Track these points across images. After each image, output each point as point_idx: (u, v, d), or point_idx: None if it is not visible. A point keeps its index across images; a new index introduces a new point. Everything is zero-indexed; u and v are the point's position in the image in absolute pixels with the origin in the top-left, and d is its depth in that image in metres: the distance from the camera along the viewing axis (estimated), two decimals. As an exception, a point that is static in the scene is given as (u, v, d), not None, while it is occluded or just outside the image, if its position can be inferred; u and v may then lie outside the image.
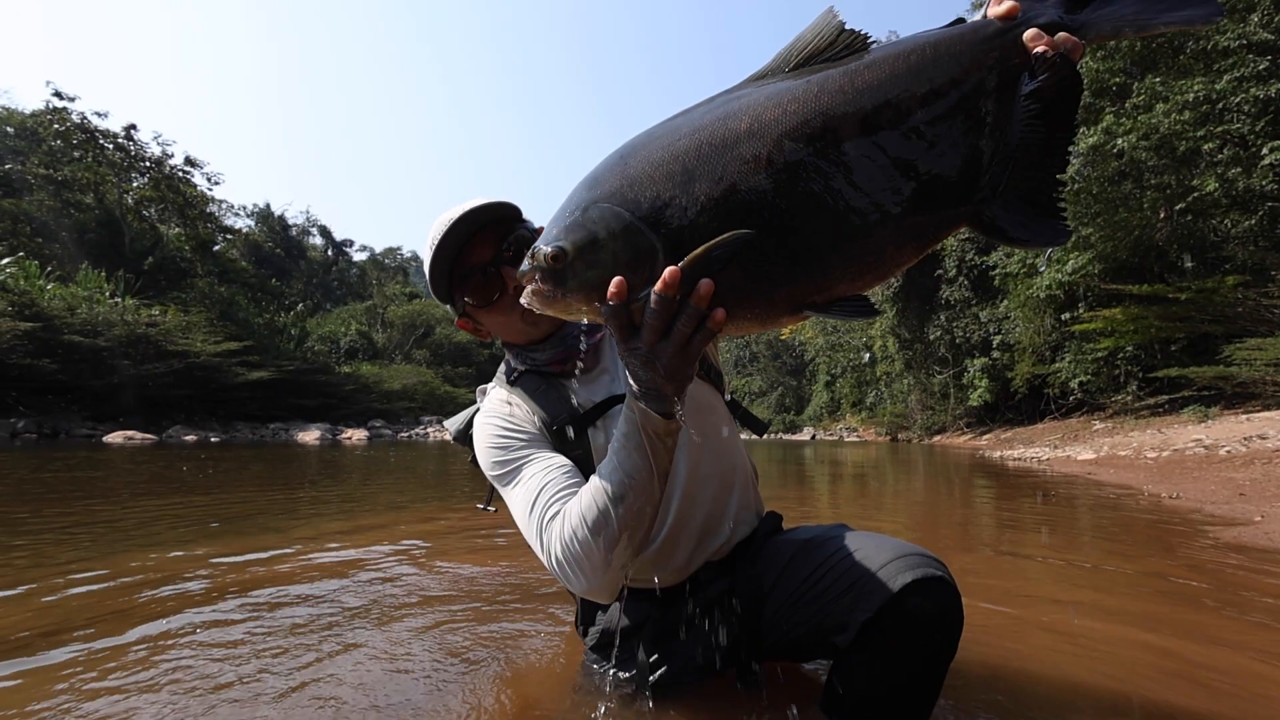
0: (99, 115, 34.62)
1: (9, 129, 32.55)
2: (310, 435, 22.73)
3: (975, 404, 25.78)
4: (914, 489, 6.61)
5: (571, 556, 0.87)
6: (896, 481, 7.59)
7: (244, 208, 50.12)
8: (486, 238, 1.08)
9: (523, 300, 0.73)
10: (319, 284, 53.76)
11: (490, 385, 1.20)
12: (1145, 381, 16.00)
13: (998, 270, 19.33)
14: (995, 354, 24.02)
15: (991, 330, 24.42)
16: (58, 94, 33.65)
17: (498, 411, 1.10)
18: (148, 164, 36.30)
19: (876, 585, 0.95)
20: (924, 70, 0.67)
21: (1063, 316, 17.59)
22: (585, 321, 0.75)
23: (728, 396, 1.24)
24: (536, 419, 1.08)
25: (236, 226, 46.45)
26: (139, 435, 17.56)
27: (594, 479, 0.89)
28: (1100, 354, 16.39)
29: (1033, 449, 13.08)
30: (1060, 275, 15.46)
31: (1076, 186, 13.99)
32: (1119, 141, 12.32)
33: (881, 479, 8.00)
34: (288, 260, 50.72)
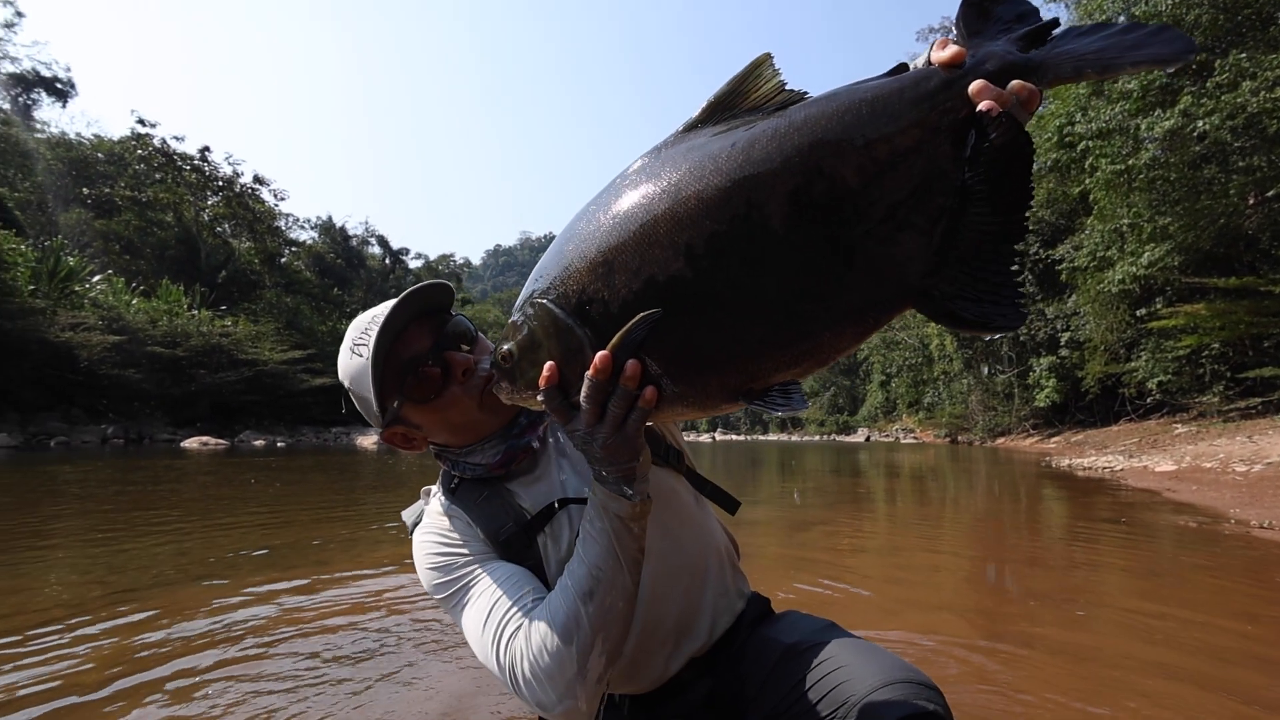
0: (176, 139, 37.04)
1: (99, 155, 35.13)
2: (369, 440, 23.62)
3: (1042, 405, 24.48)
4: (974, 508, 6.29)
5: (542, 672, 0.80)
6: (956, 499, 7.25)
7: (308, 220, 52.65)
8: (422, 329, 1.00)
9: (493, 388, 0.78)
10: (377, 291, 55.83)
11: (434, 488, 1.11)
12: (1234, 381, 14.79)
13: (1065, 264, 18.24)
14: (1063, 352, 22.71)
15: (1059, 327, 23.05)
16: (140, 121, 36.21)
17: (435, 527, 1.02)
18: (220, 183, 38.62)
19: (864, 715, 0.86)
20: (859, 131, 0.59)
21: (1138, 312, 16.43)
22: (538, 410, 0.79)
23: (689, 465, 1.15)
24: (479, 532, 1.00)
25: (301, 239, 48.92)
26: (213, 441, 18.68)
27: (559, 581, 0.84)
28: (1182, 352, 15.25)
29: (1105, 455, 12.27)
30: (1134, 269, 14.44)
31: (1152, 174, 13.05)
32: (1199, 123, 11.41)
33: (942, 494, 7.67)
34: (348, 269, 52.94)
